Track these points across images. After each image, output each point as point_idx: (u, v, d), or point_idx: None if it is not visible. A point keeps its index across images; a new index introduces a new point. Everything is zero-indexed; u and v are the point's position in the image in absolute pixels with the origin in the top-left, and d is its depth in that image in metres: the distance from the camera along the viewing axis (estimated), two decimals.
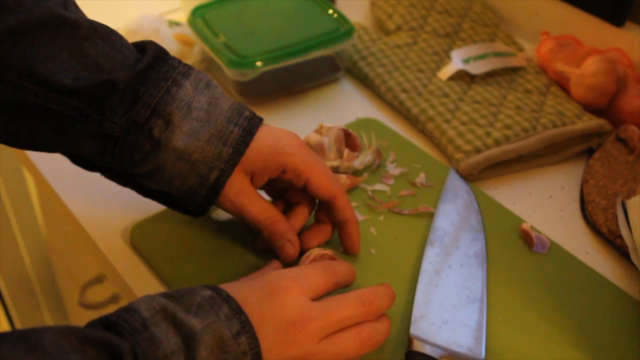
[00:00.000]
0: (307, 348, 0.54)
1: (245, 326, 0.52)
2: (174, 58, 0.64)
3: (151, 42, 0.65)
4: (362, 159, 0.79)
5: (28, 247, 1.27)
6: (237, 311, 0.52)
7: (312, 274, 0.59)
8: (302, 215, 0.70)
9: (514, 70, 0.94)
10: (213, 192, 0.65)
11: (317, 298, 0.58)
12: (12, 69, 0.59)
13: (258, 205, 0.66)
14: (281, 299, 0.55)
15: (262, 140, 0.65)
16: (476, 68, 0.92)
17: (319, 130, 0.80)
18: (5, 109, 0.61)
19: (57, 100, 0.60)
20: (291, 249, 0.67)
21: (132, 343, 0.48)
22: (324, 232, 0.70)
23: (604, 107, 0.88)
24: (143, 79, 0.62)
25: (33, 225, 1.22)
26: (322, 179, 0.67)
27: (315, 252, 0.66)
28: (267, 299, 0.55)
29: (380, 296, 0.59)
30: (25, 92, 0.59)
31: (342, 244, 0.69)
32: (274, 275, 0.57)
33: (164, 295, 0.53)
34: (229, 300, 0.53)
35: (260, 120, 0.67)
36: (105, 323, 0.50)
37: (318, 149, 0.78)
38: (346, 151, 0.78)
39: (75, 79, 0.60)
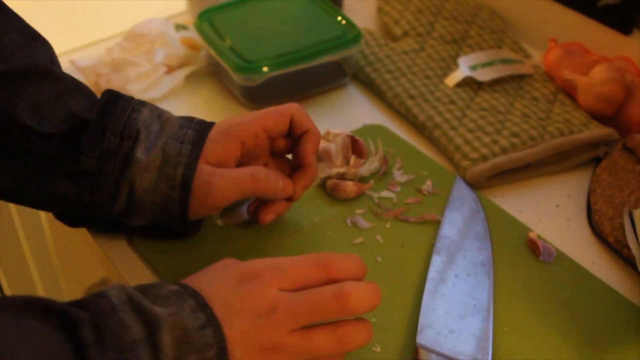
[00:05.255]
0: (275, 339, 0.53)
1: (211, 320, 0.52)
2: (125, 95, 0.69)
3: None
4: (369, 166, 0.79)
5: (32, 250, 1.27)
6: (202, 305, 0.52)
7: (296, 264, 0.56)
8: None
9: (521, 77, 0.94)
10: (185, 189, 0.65)
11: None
12: None
13: (234, 172, 0.67)
14: (250, 289, 0.54)
15: (215, 132, 0.68)
16: (483, 75, 0.92)
17: (325, 137, 0.79)
18: None
19: (38, 142, 0.64)
20: (289, 184, 0.70)
21: (99, 321, 0.48)
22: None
23: (612, 115, 0.88)
24: (105, 113, 0.66)
25: (37, 228, 1.21)
26: (273, 114, 0.70)
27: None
28: (234, 290, 0.54)
29: (361, 294, 0.55)
30: (8, 135, 0.63)
31: (300, 155, 0.71)
32: (250, 264, 0.57)
33: (132, 286, 0.53)
34: (195, 294, 0.53)
35: (212, 123, 0.69)
36: (75, 305, 0.50)
37: (324, 155, 0.78)
38: (353, 158, 0.78)
39: (54, 126, 0.64)
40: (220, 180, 0.66)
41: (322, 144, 0.78)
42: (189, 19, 1.03)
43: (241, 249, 0.71)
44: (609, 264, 0.73)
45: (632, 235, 0.72)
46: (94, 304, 0.50)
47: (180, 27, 1.00)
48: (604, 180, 0.80)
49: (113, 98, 0.68)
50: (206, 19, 0.93)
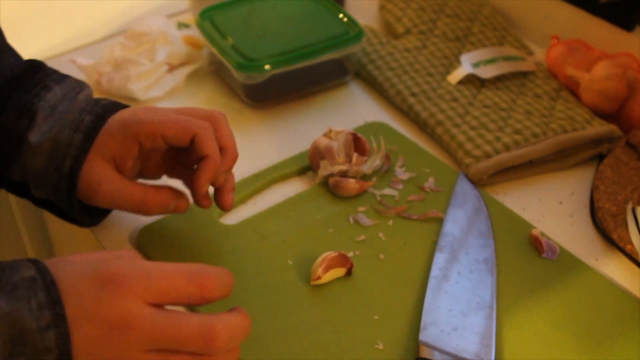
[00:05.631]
0: (125, 355, 0.48)
1: (57, 320, 0.46)
2: (50, 68, 0.66)
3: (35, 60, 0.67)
4: (371, 164, 0.79)
5: (35, 251, 1.27)
6: (54, 301, 0.46)
7: (168, 275, 0.50)
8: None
9: (523, 74, 0.94)
10: (70, 182, 0.63)
11: (168, 305, 0.51)
12: None
13: (124, 190, 0.65)
14: (109, 294, 0.48)
15: (113, 121, 0.65)
16: (486, 72, 0.92)
17: (327, 135, 0.79)
18: None
19: None
20: (183, 201, 0.67)
21: None
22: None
23: (614, 112, 0.88)
24: (17, 85, 0.64)
25: (41, 228, 1.22)
26: (175, 127, 0.64)
27: (331, 255, 0.67)
28: (93, 291, 0.48)
29: (232, 331, 0.50)
30: None
31: (192, 182, 0.65)
32: (117, 264, 0.50)
33: None
34: (50, 287, 0.47)
35: (121, 107, 0.66)
36: None
37: (327, 153, 0.78)
38: (355, 155, 0.78)
39: None
40: (107, 192, 0.64)
41: (325, 142, 0.78)
42: (190, 17, 1.03)
43: (243, 247, 0.71)
44: (612, 261, 0.73)
45: (635, 231, 0.72)
46: None
47: (182, 25, 1.00)
48: (607, 177, 0.80)
49: (31, 70, 0.65)
50: (208, 17, 0.93)
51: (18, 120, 0.63)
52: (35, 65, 0.66)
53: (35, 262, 0.49)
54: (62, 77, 0.66)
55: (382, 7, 1.06)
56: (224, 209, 0.69)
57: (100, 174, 0.64)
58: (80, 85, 0.67)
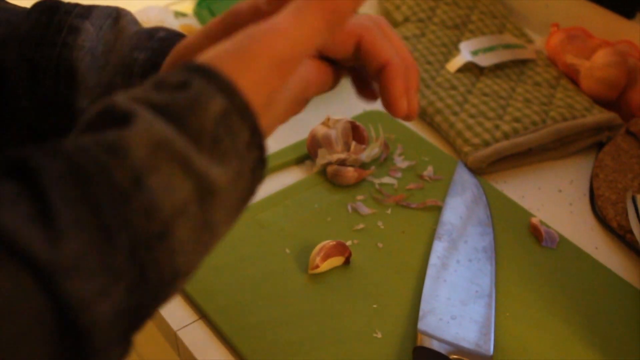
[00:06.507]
0: None
1: (256, 138, 0.36)
2: (69, 3, 0.52)
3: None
4: (370, 152, 0.78)
5: None
6: (255, 133, 0.36)
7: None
8: None
9: (523, 62, 0.93)
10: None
11: None
12: None
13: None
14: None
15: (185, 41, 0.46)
16: (485, 60, 0.91)
17: (326, 123, 0.79)
18: None
19: None
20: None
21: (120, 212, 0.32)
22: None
23: (614, 100, 0.87)
24: (34, 42, 0.51)
25: None
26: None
27: (330, 244, 0.67)
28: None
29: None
30: None
31: (384, 99, 0.47)
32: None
33: (157, 107, 0.34)
34: (246, 114, 0.36)
35: (183, 36, 0.50)
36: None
37: (325, 142, 0.77)
38: (353, 144, 0.78)
39: None
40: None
41: (323, 130, 0.78)
42: (188, 6, 1.02)
43: (241, 235, 0.71)
44: (612, 249, 0.73)
45: (635, 220, 0.72)
46: (96, 171, 0.32)
47: (179, 14, 0.99)
48: (606, 165, 0.80)
49: (45, 14, 0.51)
50: (205, 6, 0.93)
51: (56, 86, 0.50)
52: (49, 6, 0.51)
53: (211, 79, 0.35)
54: (85, 9, 0.51)
55: None
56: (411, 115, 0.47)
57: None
58: (109, 8, 0.52)
